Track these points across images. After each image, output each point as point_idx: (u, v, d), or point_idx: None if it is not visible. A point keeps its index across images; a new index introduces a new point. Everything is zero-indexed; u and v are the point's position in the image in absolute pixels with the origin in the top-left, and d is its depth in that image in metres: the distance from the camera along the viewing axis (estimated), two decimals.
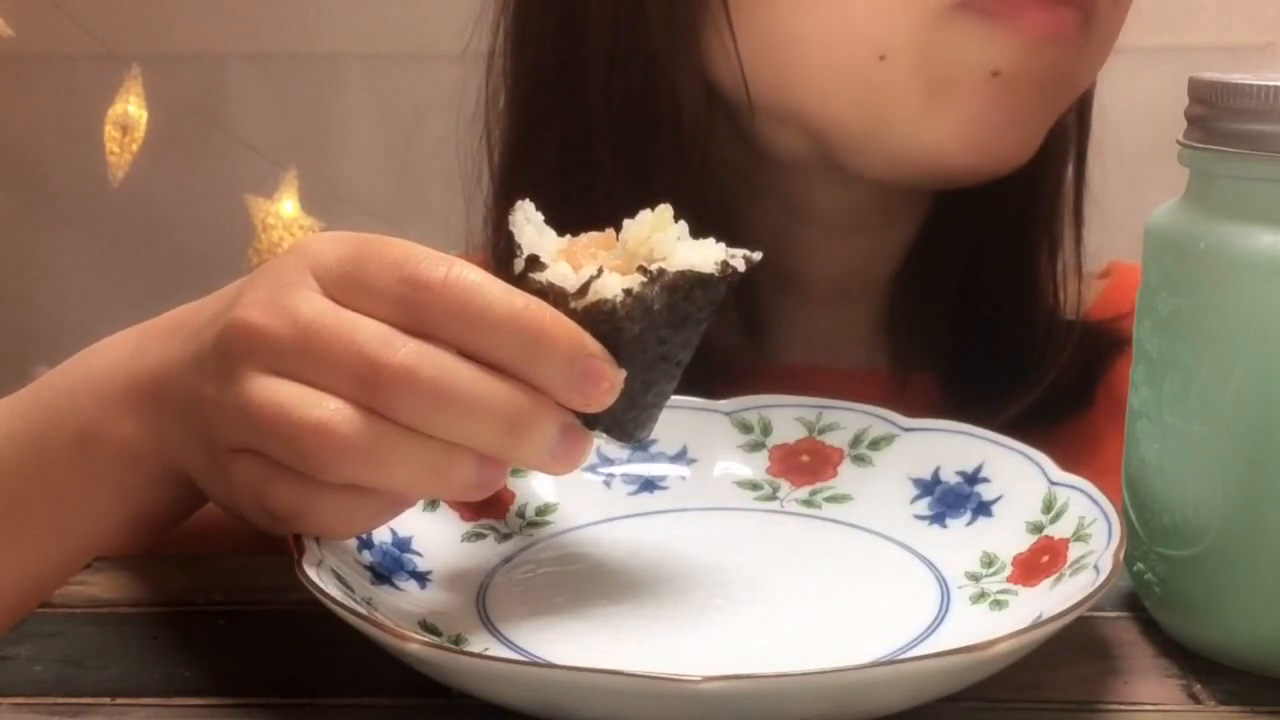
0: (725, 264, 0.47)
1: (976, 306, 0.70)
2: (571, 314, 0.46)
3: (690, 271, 0.46)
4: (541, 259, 0.47)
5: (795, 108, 0.64)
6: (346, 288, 0.46)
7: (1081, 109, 0.70)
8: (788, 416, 0.59)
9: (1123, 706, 0.45)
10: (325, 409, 0.44)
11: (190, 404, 0.50)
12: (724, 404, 0.60)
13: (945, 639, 0.47)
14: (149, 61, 1.43)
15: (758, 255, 0.48)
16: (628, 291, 0.46)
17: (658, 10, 0.64)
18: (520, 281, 0.47)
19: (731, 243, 0.48)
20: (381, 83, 1.59)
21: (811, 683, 0.40)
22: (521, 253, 0.47)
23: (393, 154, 1.58)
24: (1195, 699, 0.46)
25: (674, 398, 0.59)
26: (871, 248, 0.71)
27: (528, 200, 0.49)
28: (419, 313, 0.45)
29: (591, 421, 0.47)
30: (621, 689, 0.39)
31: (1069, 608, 0.43)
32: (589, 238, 0.49)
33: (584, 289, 0.46)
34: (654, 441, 0.59)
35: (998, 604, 0.49)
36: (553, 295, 0.46)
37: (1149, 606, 0.50)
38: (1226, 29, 1.39)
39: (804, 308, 0.72)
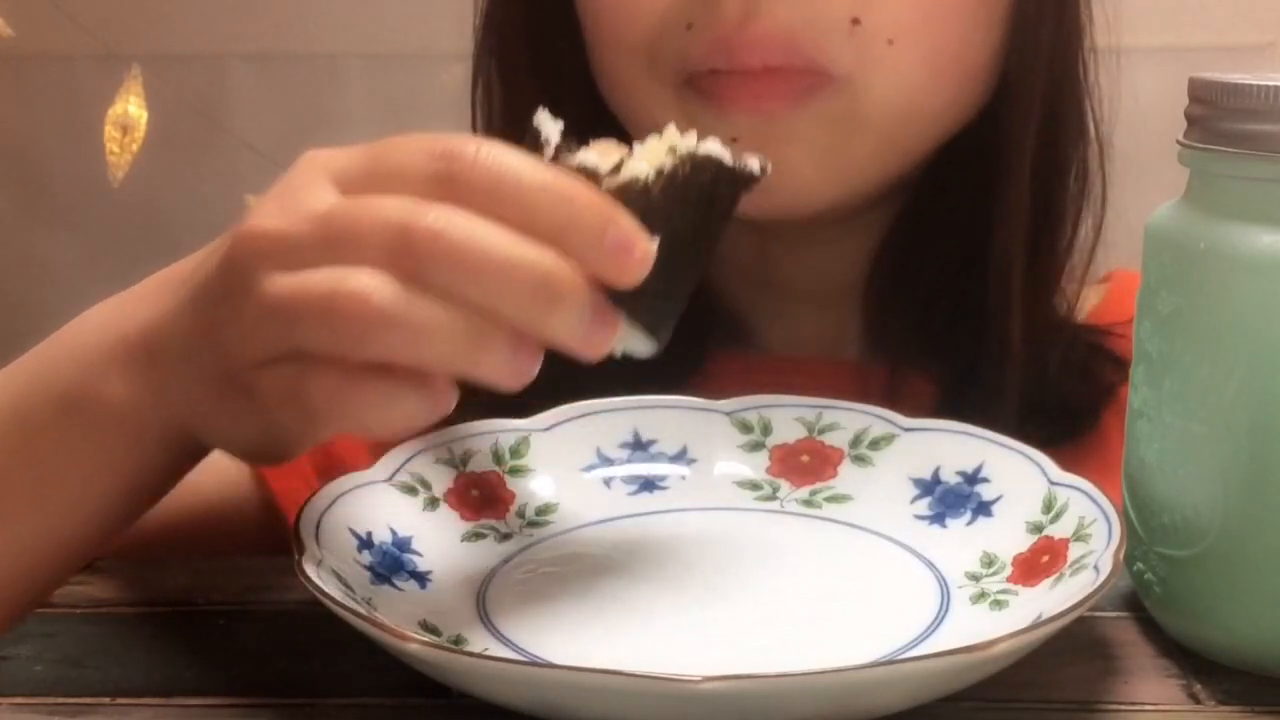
0: (741, 158, 0.48)
1: (955, 307, 0.69)
2: (605, 192, 0.45)
3: (714, 156, 0.47)
4: (570, 146, 0.47)
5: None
6: (371, 179, 0.45)
7: (1055, 107, 0.68)
8: (788, 416, 0.59)
9: (1123, 706, 0.45)
10: (359, 280, 0.43)
11: (190, 345, 0.49)
12: (724, 404, 0.60)
13: (945, 639, 0.47)
14: (149, 61, 1.43)
15: (769, 166, 0.48)
16: (659, 171, 0.46)
17: None
18: (557, 162, 0.46)
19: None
20: (381, 83, 1.59)
21: (811, 683, 0.40)
22: (549, 142, 0.47)
23: None
24: (1195, 699, 0.46)
25: (674, 398, 0.60)
26: (834, 255, 0.71)
27: (544, 109, 0.48)
28: (451, 185, 0.44)
29: (617, 305, 0.46)
30: (621, 689, 0.39)
31: (1069, 608, 0.43)
32: (605, 144, 0.49)
33: (617, 168, 0.46)
34: (654, 441, 0.59)
35: (998, 604, 0.49)
36: (585, 175, 0.46)
37: (1149, 606, 0.50)
38: (1226, 29, 1.39)
39: (783, 308, 0.72)
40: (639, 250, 0.44)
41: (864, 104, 0.62)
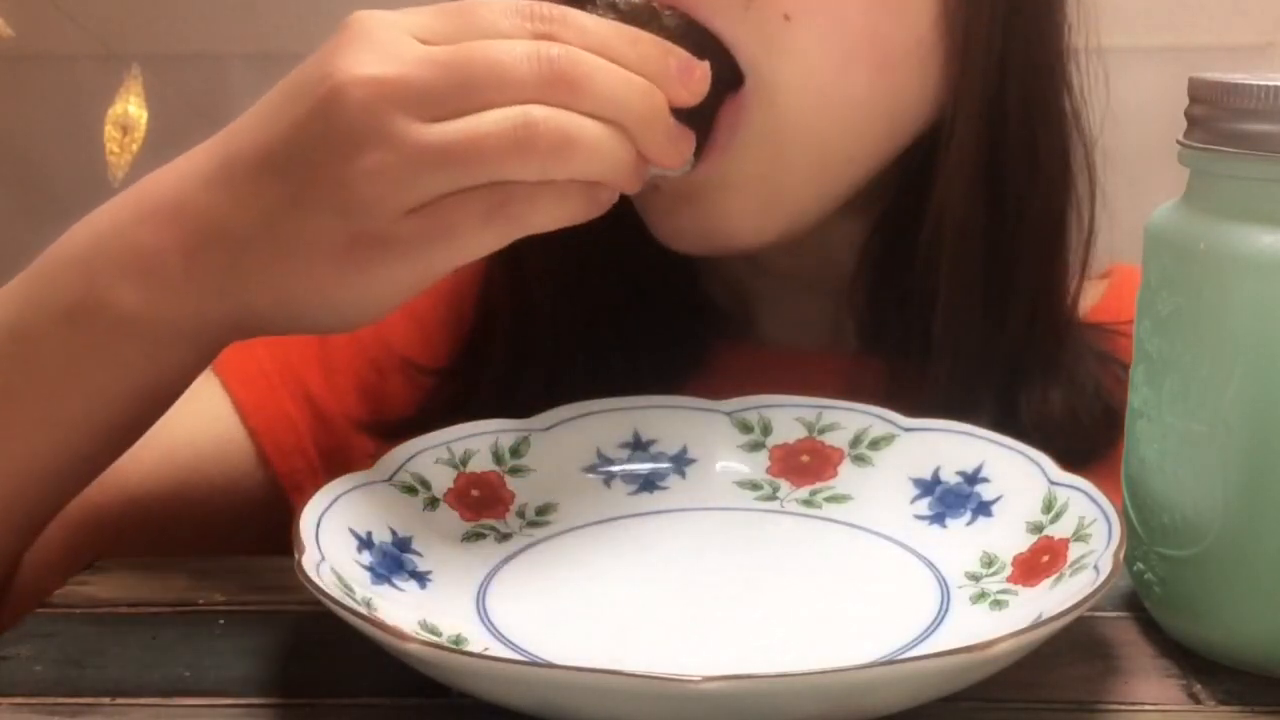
0: None
1: (946, 298, 0.68)
2: (662, 30, 0.55)
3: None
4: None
5: None
6: (462, 37, 0.49)
7: (1026, 107, 0.66)
8: (788, 416, 0.59)
9: (1123, 706, 0.45)
10: (541, 113, 0.48)
11: (275, 223, 0.50)
12: (724, 404, 0.60)
13: (945, 639, 0.47)
14: (149, 61, 1.43)
15: None
16: (690, 22, 0.57)
17: None
18: (612, 7, 0.55)
19: None
20: None
21: (811, 683, 0.40)
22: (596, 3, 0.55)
23: None
24: (1195, 699, 0.46)
25: (674, 398, 0.60)
26: (827, 245, 0.71)
27: None
28: (551, 39, 0.50)
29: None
30: (621, 689, 0.39)
31: (1069, 608, 0.43)
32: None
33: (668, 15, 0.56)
34: (654, 441, 0.59)
35: (998, 604, 0.49)
36: (645, 14, 0.55)
37: (1149, 606, 0.50)
38: (1226, 29, 1.39)
39: (780, 299, 0.72)
40: (699, 70, 0.54)
41: (779, 105, 0.60)
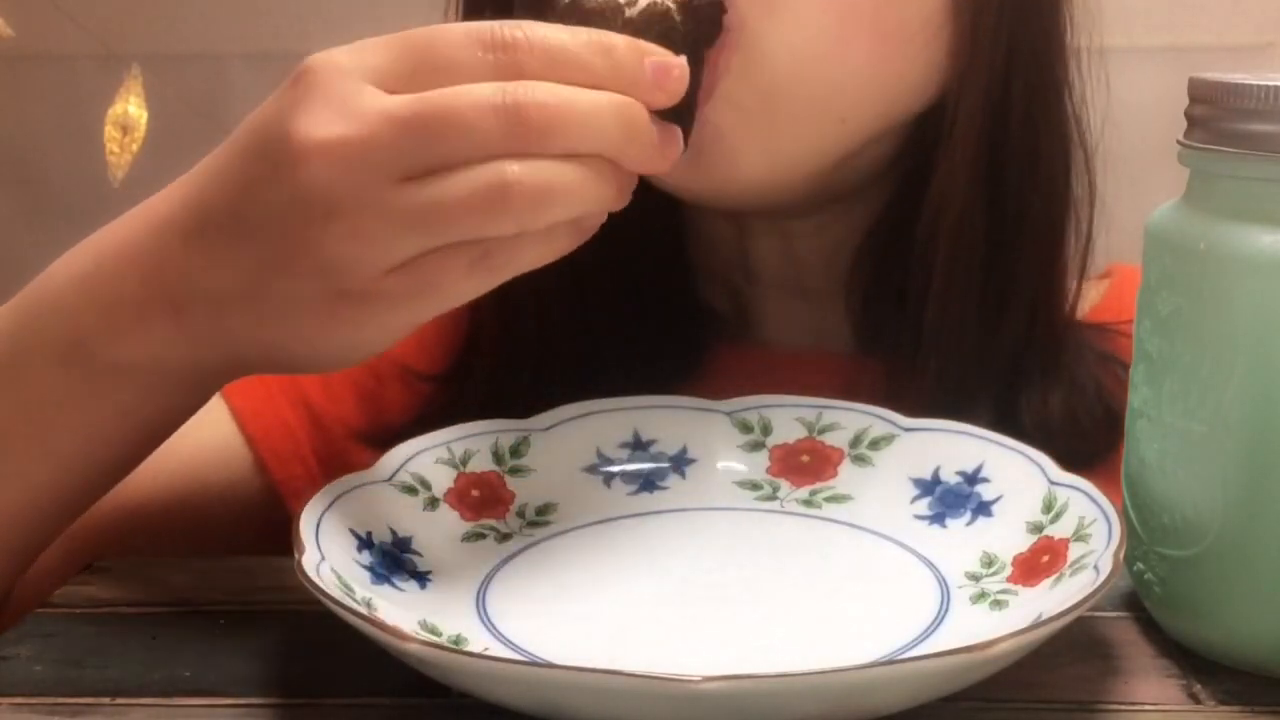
0: None
1: (940, 293, 0.67)
2: (628, 24, 0.52)
3: None
4: None
5: None
6: (421, 76, 0.47)
7: (1026, 105, 0.66)
8: (788, 416, 0.59)
9: (1123, 706, 0.45)
10: (512, 171, 0.46)
11: (253, 284, 0.49)
12: (724, 404, 0.60)
13: (945, 639, 0.47)
14: (149, 61, 1.43)
15: None
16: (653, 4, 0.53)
17: None
18: (576, 6, 0.53)
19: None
20: None
21: (811, 683, 0.40)
22: None
23: None
24: (1195, 699, 0.46)
25: (674, 398, 0.60)
26: (816, 248, 0.71)
27: None
28: (516, 69, 0.47)
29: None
30: (621, 689, 0.39)
31: (1069, 608, 0.43)
32: None
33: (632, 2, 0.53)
34: (654, 441, 0.59)
35: (998, 604, 0.49)
36: (609, 10, 0.52)
37: (1149, 606, 0.50)
38: (1226, 29, 1.39)
39: (775, 301, 0.72)
40: (676, 69, 0.50)
41: (770, 58, 0.60)
